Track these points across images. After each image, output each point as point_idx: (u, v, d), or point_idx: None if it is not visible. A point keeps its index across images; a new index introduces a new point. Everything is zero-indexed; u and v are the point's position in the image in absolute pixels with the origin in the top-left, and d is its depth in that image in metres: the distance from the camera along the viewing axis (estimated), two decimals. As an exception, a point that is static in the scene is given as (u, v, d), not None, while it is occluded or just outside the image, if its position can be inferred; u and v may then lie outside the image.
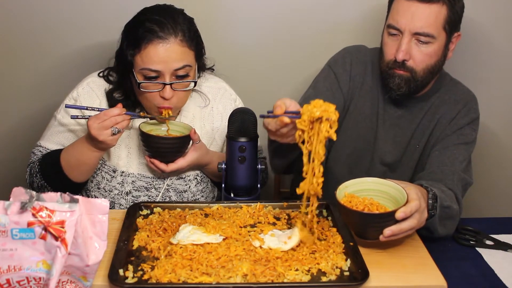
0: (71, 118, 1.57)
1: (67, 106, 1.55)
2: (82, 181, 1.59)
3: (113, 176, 1.64)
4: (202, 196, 1.72)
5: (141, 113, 1.57)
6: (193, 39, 1.55)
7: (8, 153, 2.18)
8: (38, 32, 2.03)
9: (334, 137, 1.21)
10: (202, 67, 1.68)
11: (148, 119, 1.62)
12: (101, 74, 1.66)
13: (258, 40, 2.08)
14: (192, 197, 1.69)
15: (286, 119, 1.24)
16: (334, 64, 1.75)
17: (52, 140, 1.64)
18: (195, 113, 1.71)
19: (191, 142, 1.60)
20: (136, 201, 1.63)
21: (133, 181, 1.65)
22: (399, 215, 1.20)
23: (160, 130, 1.62)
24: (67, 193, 1.00)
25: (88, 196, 1.66)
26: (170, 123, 1.62)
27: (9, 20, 2.01)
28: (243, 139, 1.46)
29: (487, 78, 2.11)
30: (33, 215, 0.95)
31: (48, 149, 1.63)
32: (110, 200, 1.63)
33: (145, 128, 1.57)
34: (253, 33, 2.07)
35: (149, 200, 1.65)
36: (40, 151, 1.64)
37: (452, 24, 1.58)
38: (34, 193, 0.98)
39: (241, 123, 1.47)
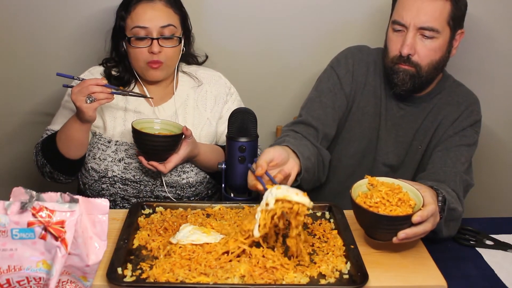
0: (63, 86, 1.67)
1: (58, 74, 1.63)
2: (72, 157, 1.65)
3: (108, 146, 1.71)
4: (192, 170, 1.74)
5: (121, 87, 1.67)
6: (177, 3, 1.72)
7: (8, 153, 2.18)
8: (37, 31, 2.03)
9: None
10: (188, 39, 1.80)
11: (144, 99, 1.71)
12: (101, 62, 1.79)
13: (260, 41, 2.08)
14: (181, 169, 1.72)
15: (260, 187, 1.29)
16: (336, 64, 1.76)
17: (58, 122, 1.74)
18: (189, 93, 1.79)
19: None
20: (127, 168, 1.69)
21: (126, 149, 1.71)
22: (415, 219, 1.20)
23: (152, 129, 1.63)
24: (67, 193, 1.00)
25: (85, 168, 1.72)
26: (161, 122, 1.65)
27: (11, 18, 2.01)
28: (243, 139, 1.46)
29: (490, 77, 2.10)
30: (33, 215, 0.95)
31: (54, 131, 1.72)
32: (104, 167, 1.69)
33: (137, 126, 1.58)
34: (255, 33, 2.07)
35: (139, 167, 1.69)
36: (46, 133, 1.73)
37: (456, 20, 1.59)
38: (34, 193, 0.98)
39: (241, 123, 1.47)
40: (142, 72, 1.71)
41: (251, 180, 1.35)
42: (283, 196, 1.16)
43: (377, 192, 1.27)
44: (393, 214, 1.22)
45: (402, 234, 1.21)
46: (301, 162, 1.43)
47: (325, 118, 1.68)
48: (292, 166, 1.40)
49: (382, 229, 1.24)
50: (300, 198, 1.16)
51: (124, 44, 1.70)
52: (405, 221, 1.21)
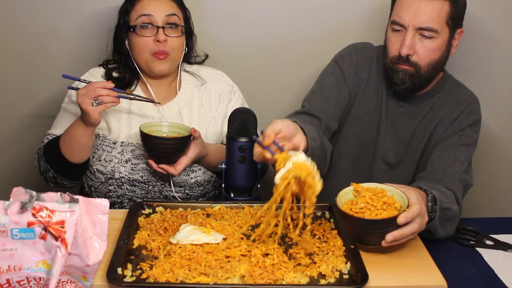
0: (68, 88, 1.68)
1: (63, 76, 1.61)
2: (77, 161, 1.63)
3: (114, 148, 1.70)
4: (200, 169, 1.74)
5: (128, 91, 1.66)
6: (179, 1, 1.76)
7: (8, 153, 2.18)
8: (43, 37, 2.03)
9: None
10: (191, 39, 1.81)
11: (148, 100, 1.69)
12: (101, 63, 1.79)
13: (261, 39, 2.08)
14: (189, 168, 1.71)
15: (268, 155, 1.23)
16: (340, 59, 1.76)
17: (59, 126, 1.72)
18: (193, 92, 1.80)
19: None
20: (135, 168, 1.68)
21: (132, 150, 1.70)
22: (400, 220, 1.20)
23: (160, 132, 1.63)
24: (67, 193, 1.00)
25: (90, 170, 1.71)
26: (169, 125, 1.66)
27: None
28: (243, 139, 1.46)
29: (490, 77, 2.10)
30: (33, 215, 0.95)
31: (55, 135, 1.71)
32: (110, 169, 1.68)
33: (144, 130, 1.58)
34: (257, 32, 2.07)
35: (147, 168, 1.68)
36: (47, 138, 1.72)
37: (455, 20, 1.59)
38: (34, 193, 0.98)
39: (241, 123, 1.47)
40: (147, 65, 1.69)
41: (257, 150, 1.26)
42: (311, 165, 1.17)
43: (361, 198, 1.27)
44: (378, 217, 1.22)
45: (389, 236, 1.21)
46: (308, 140, 1.36)
47: (327, 110, 1.68)
48: (300, 141, 1.32)
49: (370, 234, 1.24)
50: (317, 177, 1.18)
51: (126, 40, 1.70)
52: (391, 223, 1.21)
